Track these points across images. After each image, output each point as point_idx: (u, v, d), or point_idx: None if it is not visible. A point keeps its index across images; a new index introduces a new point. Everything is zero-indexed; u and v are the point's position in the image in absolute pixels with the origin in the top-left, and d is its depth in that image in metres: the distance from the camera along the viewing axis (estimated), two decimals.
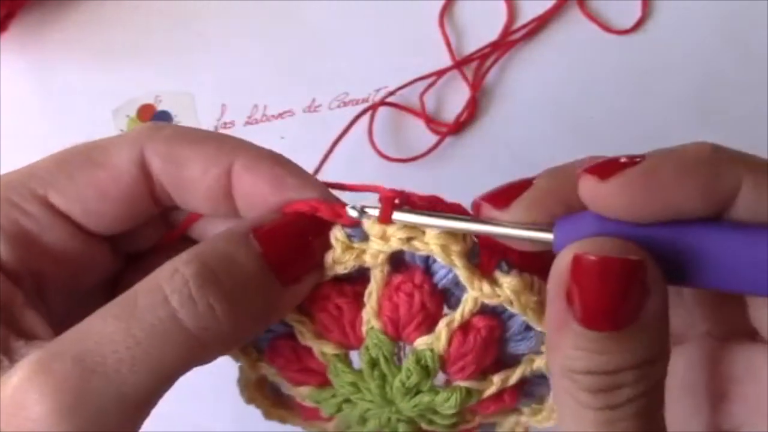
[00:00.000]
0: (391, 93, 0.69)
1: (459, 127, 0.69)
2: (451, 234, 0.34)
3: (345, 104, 0.70)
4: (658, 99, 0.69)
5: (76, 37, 0.71)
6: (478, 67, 0.70)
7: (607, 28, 0.70)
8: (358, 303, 0.37)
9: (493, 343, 0.37)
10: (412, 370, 0.37)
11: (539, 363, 0.38)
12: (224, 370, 0.40)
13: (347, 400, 0.40)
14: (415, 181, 0.67)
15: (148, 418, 0.33)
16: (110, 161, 0.36)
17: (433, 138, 0.68)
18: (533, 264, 0.36)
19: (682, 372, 0.35)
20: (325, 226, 0.36)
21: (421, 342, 0.37)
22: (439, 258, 0.35)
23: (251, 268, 0.34)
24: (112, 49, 0.71)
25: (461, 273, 0.35)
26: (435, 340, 0.37)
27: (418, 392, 0.38)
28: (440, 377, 0.39)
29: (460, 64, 0.70)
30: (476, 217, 0.34)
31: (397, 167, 0.68)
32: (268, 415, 0.43)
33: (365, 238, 0.36)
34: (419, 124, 0.69)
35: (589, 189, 0.31)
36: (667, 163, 0.31)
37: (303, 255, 0.36)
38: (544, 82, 0.70)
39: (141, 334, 0.31)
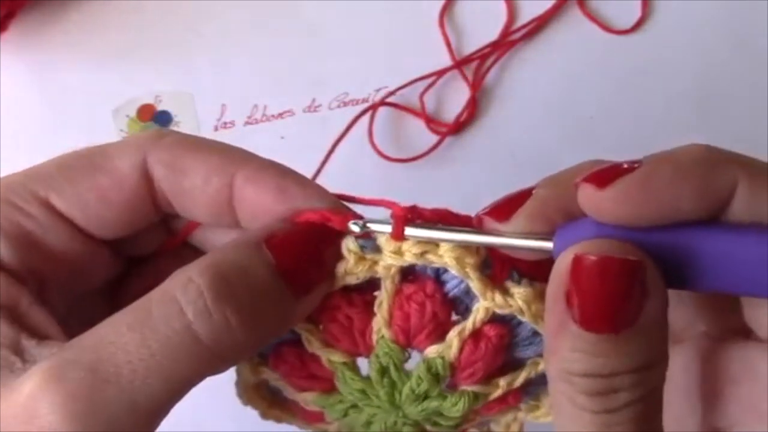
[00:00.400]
0: (391, 93, 0.69)
1: (459, 127, 0.69)
2: (465, 246, 0.35)
3: (345, 104, 0.70)
4: (658, 99, 0.69)
5: (76, 37, 0.71)
6: (478, 67, 0.70)
7: (607, 28, 0.70)
8: (368, 312, 0.38)
9: (502, 349, 0.38)
10: (422, 377, 0.38)
11: (543, 365, 0.38)
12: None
13: (354, 406, 0.40)
14: (415, 181, 0.67)
15: None
16: (113, 166, 0.36)
17: (433, 138, 0.68)
18: (543, 274, 0.36)
19: (678, 373, 0.36)
20: (335, 237, 0.36)
21: (432, 350, 0.37)
22: (454, 271, 0.35)
23: (265, 278, 0.34)
24: (112, 49, 0.71)
25: (475, 284, 0.36)
26: (446, 349, 0.37)
27: (426, 398, 0.39)
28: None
29: (460, 64, 0.70)
30: (481, 230, 0.35)
31: (397, 167, 0.68)
32: (265, 416, 0.43)
33: (377, 249, 0.36)
34: (419, 124, 0.69)
35: (588, 198, 0.32)
36: (663, 168, 0.31)
37: (315, 266, 0.36)
38: (544, 82, 0.70)
39: (155, 345, 0.31)
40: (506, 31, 0.70)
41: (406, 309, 0.37)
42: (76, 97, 0.70)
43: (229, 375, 0.42)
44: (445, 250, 0.35)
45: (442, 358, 0.37)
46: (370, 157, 0.68)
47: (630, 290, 0.30)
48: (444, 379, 0.38)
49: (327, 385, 0.40)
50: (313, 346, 0.38)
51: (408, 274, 0.37)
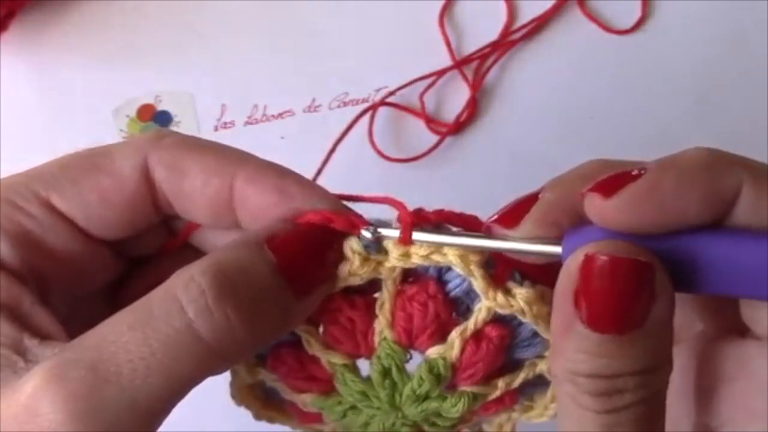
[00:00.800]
0: (391, 93, 0.69)
1: (459, 127, 0.69)
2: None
3: (345, 104, 0.70)
4: (658, 99, 0.69)
5: (76, 37, 0.71)
6: (478, 67, 0.70)
7: (607, 28, 0.70)
8: (370, 314, 0.38)
9: (502, 350, 0.38)
10: (424, 378, 0.38)
11: (541, 366, 0.38)
12: None
13: (353, 407, 0.40)
14: (415, 181, 0.67)
15: None
16: (114, 167, 0.36)
17: (433, 138, 0.68)
18: (544, 275, 0.36)
19: (675, 373, 0.36)
20: (336, 237, 0.36)
21: (434, 351, 0.38)
22: (458, 268, 0.35)
23: (266, 278, 0.34)
24: (112, 49, 0.71)
25: (478, 283, 0.36)
26: (448, 349, 0.37)
27: (426, 398, 0.39)
28: None
29: (460, 64, 0.70)
30: (488, 234, 0.35)
31: (397, 167, 0.68)
32: (258, 416, 0.43)
33: (381, 249, 0.36)
34: (419, 124, 0.69)
35: (595, 207, 0.32)
36: (668, 175, 0.31)
37: (316, 266, 0.36)
38: (544, 82, 0.70)
39: (156, 344, 0.31)
40: (506, 31, 0.70)
41: (409, 310, 0.37)
42: (76, 97, 0.70)
43: (229, 376, 0.42)
44: (449, 249, 0.35)
45: (444, 358, 0.37)
46: (370, 157, 0.68)
47: (639, 291, 0.31)
48: (445, 379, 0.38)
49: (326, 387, 0.40)
50: (314, 347, 0.38)
51: (408, 275, 0.37)
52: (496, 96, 0.70)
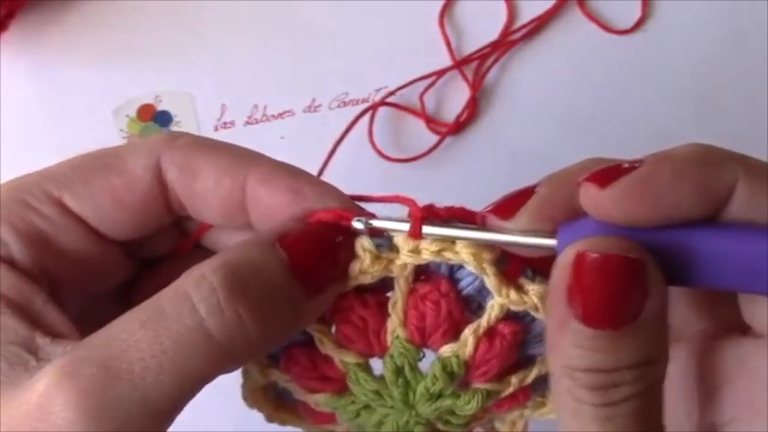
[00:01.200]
0: (391, 93, 0.69)
1: (459, 127, 0.69)
2: (481, 243, 0.35)
3: (345, 104, 0.70)
4: (658, 99, 0.69)
5: (76, 37, 0.71)
6: (478, 67, 0.70)
7: (607, 28, 0.70)
8: (382, 313, 0.38)
9: (516, 346, 0.38)
10: (438, 376, 0.38)
11: None
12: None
13: (366, 406, 0.40)
14: (415, 181, 0.67)
15: None
16: (126, 168, 0.36)
17: (433, 138, 0.68)
18: None
19: (675, 372, 0.36)
20: (348, 236, 0.36)
21: (447, 349, 0.38)
22: (471, 266, 0.35)
23: (278, 277, 0.34)
24: (112, 49, 0.71)
25: (490, 281, 0.36)
26: (461, 347, 0.37)
27: (440, 396, 0.39)
28: None
29: (460, 64, 0.70)
30: (484, 226, 0.35)
31: (397, 167, 0.68)
32: (270, 419, 0.43)
33: (392, 247, 0.36)
34: (419, 124, 0.69)
35: (589, 197, 0.32)
36: (663, 168, 0.31)
37: (328, 265, 0.36)
38: (544, 82, 0.70)
39: (168, 342, 0.31)
40: (506, 31, 0.70)
41: (421, 308, 0.37)
42: (76, 97, 0.70)
43: (231, 377, 0.42)
44: (461, 246, 0.35)
45: (457, 356, 0.37)
46: (370, 157, 0.68)
47: (631, 287, 0.31)
48: (459, 377, 0.38)
49: (339, 386, 0.40)
50: (326, 347, 0.38)
51: (420, 273, 0.37)
52: (496, 96, 0.70)
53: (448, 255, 0.35)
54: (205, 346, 0.32)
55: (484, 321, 0.37)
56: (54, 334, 0.33)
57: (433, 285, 0.37)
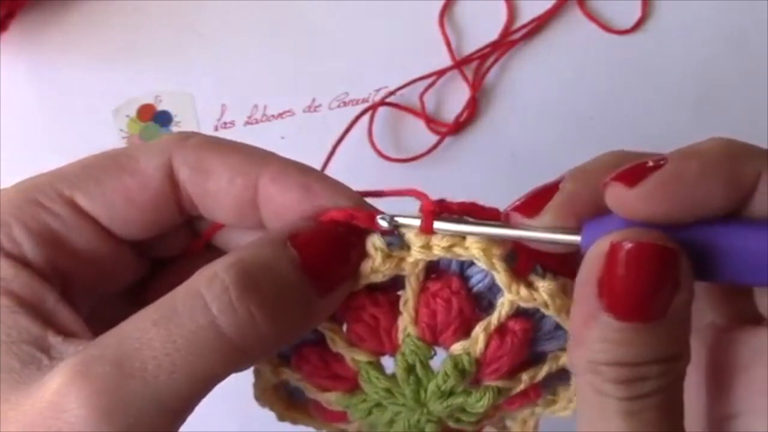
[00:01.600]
0: (391, 93, 0.69)
1: (459, 127, 0.69)
2: (491, 239, 0.35)
3: (345, 104, 0.70)
4: (658, 99, 0.69)
5: (76, 37, 0.71)
6: (478, 67, 0.70)
7: (607, 28, 0.70)
8: (393, 311, 0.38)
9: (526, 343, 0.38)
10: (449, 374, 0.38)
11: (564, 359, 0.39)
12: None
13: (378, 404, 0.40)
14: (415, 181, 0.67)
15: None
16: (138, 168, 0.36)
17: (433, 138, 0.68)
18: (566, 268, 0.36)
19: (689, 365, 0.36)
20: (360, 235, 0.36)
21: (458, 347, 0.38)
22: (481, 262, 0.35)
23: (289, 275, 0.34)
24: (112, 49, 0.71)
25: (501, 277, 0.36)
26: (472, 344, 0.37)
27: (451, 394, 0.39)
28: None
29: (460, 64, 0.70)
30: (508, 224, 0.35)
31: (397, 167, 0.68)
32: (281, 418, 0.43)
33: (403, 245, 0.36)
34: (419, 124, 0.69)
35: (617, 197, 0.32)
36: (690, 164, 0.31)
37: (339, 263, 0.36)
38: (544, 82, 0.70)
39: (180, 341, 0.31)
40: (506, 31, 0.70)
41: (432, 306, 0.37)
42: (76, 97, 0.70)
43: (237, 377, 0.42)
44: (471, 242, 0.35)
45: (468, 354, 0.38)
46: (370, 157, 0.68)
47: (664, 279, 0.31)
48: (470, 374, 0.38)
49: (350, 385, 0.40)
50: (338, 345, 0.38)
51: (431, 271, 0.37)
52: (496, 96, 0.70)
53: (458, 250, 0.35)
54: (218, 344, 0.32)
55: (494, 318, 0.37)
56: (66, 333, 0.33)
57: (444, 283, 0.37)
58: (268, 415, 0.44)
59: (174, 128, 0.70)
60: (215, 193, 0.37)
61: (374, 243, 0.36)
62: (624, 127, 0.68)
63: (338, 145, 0.67)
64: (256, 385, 0.41)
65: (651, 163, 0.32)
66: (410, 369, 0.38)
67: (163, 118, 0.70)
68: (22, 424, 0.31)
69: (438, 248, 0.35)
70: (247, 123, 0.70)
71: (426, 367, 0.38)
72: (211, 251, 0.40)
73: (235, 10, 0.72)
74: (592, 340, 0.31)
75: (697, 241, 0.32)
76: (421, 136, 0.69)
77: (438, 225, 0.35)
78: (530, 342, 0.38)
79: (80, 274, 0.37)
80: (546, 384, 0.40)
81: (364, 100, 0.70)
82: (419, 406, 0.40)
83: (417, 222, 0.35)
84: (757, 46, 0.69)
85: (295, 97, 0.70)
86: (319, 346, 0.39)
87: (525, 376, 0.39)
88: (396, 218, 0.36)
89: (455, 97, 0.69)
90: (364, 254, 0.36)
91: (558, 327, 0.37)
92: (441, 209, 0.35)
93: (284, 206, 0.36)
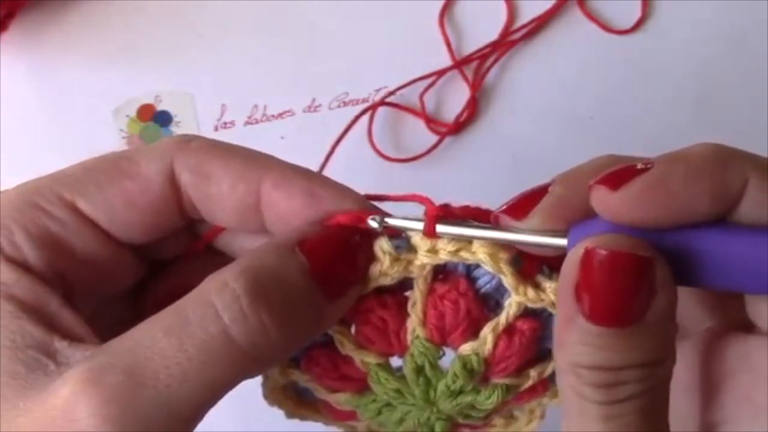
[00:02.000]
0: (391, 93, 0.69)
1: (459, 127, 0.69)
2: (498, 242, 0.35)
3: (345, 104, 0.70)
4: (658, 99, 0.69)
5: (76, 37, 0.71)
6: (478, 67, 0.70)
7: (607, 28, 0.70)
8: (402, 313, 0.38)
9: (534, 342, 0.38)
10: (458, 374, 0.38)
11: None
12: None
13: (387, 404, 0.41)
14: (415, 181, 0.67)
15: None
16: (139, 172, 0.36)
17: (433, 138, 0.68)
18: None
19: (679, 370, 0.36)
20: (367, 238, 0.36)
21: (467, 347, 0.38)
22: (488, 266, 0.36)
23: (299, 282, 0.34)
24: (112, 49, 0.71)
25: (508, 280, 0.36)
26: (481, 345, 0.38)
27: (460, 393, 0.39)
28: None
29: (460, 64, 0.70)
30: (498, 227, 0.35)
31: (396, 167, 0.68)
32: (290, 416, 0.43)
33: (411, 248, 0.36)
34: (419, 124, 0.69)
35: (601, 200, 0.32)
36: (676, 169, 0.31)
37: (347, 268, 0.36)
38: (544, 82, 0.70)
39: (192, 350, 0.31)
40: (506, 31, 0.70)
41: (440, 308, 0.37)
42: (76, 97, 0.70)
43: None
44: (478, 246, 0.35)
45: (477, 354, 0.38)
46: (369, 157, 0.68)
47: (639, 286, 0.31)
48: (478, 374, 0.38)
49: (360, 386, 0.40)
50: (347, 348, 0.38)
51: (438, 273, 0.38)
52: (496, 96, 0.70)
53: (465, 255, 0.36)
54: (229, 352, 0.32)
55: (502, 318, 0.37)
56: (71, 338, 0.33)
57: (452, 284, 0.37)
58: (269, 416, 0.44)
59: (174, 128, 0.70)
60: (217, 197, 0.36)
61: (382, 246, 0.36)
62: (624, 127, 0.68)
63: (338, 144, 0.67)
64: (265, 385, 0.41)
65: (638, 167, 0.31)
66: (419, 370, 0.39)
67: (163, 118, 0.70)
68: (33, 430, 0.31)
69: (444, 252, 0.36)
70: (247, 123, 0.70)
71: (435, 367, 0.39)
72: (211, 253, 0.40)
73: (235, 10, 0.72)
74: (572, 342, 0.32)
75: (681, 245, 0.32)
76: (421, 136, 0.69)
77: (441, 229, 0.35)
78: (538, 340, 0.38)
79: (81, 278, 0.36)
80: (553, 377, 0.40)
81: (364, 100, 0.70)
82: (429, 405, 0.40)
83: (420, 225, 0.35)
84: (757, 46, 0.69)
85: (295, 97, 0.70)
86: (328, 348, 0.39)
87: (533, 373, 0.39)
88: (399, 222, 0.36)
89: (455, 97, 0.69)
90: (371, 258, 0.36)
91: None
92: (444, 213, 0.36)
93: (289, 211, 0.36)
